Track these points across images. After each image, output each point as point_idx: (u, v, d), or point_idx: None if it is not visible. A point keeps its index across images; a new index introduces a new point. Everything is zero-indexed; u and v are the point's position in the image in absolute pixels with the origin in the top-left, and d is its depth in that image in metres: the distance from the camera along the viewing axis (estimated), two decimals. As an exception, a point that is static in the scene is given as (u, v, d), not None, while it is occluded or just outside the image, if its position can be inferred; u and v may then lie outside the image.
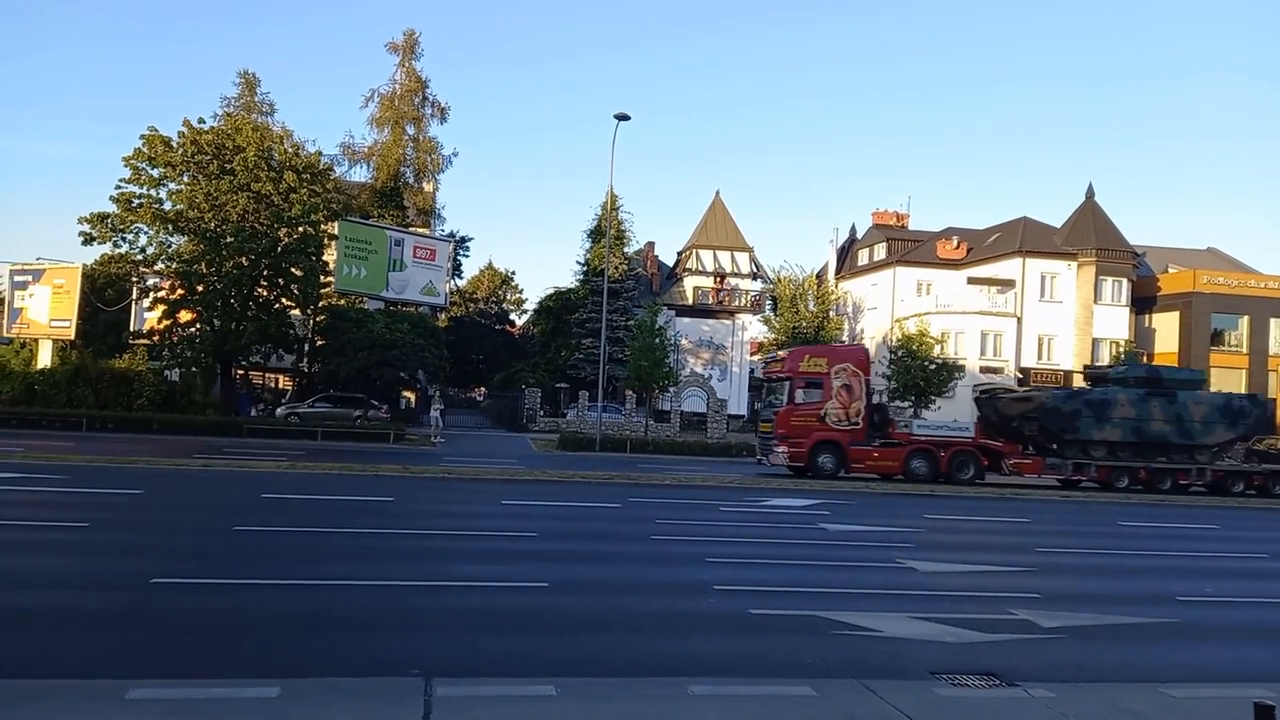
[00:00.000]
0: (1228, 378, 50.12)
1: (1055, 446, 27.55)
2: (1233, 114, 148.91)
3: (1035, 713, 6.80)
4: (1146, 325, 52.41)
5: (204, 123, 33.43)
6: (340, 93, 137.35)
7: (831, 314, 57.01)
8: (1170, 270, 53.73)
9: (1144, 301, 52.12)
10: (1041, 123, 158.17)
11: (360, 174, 51.43)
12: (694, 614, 9.46)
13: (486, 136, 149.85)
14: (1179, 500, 25.58)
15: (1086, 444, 27.17)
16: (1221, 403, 28.67)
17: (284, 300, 34.37)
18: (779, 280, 56.57)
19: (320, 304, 38.75)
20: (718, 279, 55.48)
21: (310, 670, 6.87)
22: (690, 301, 54.69)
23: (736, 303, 55.20)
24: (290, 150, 36.14)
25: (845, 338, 60.21)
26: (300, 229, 33.56)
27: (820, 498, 21.10)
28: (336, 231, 39.96)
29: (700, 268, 55.20)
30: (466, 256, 60.50)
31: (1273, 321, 50.38)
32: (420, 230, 48.60)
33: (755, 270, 56.43)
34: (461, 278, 64.68)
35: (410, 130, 50.44)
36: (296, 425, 32.43)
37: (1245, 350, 50.22)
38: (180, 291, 32.40)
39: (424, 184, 51.76)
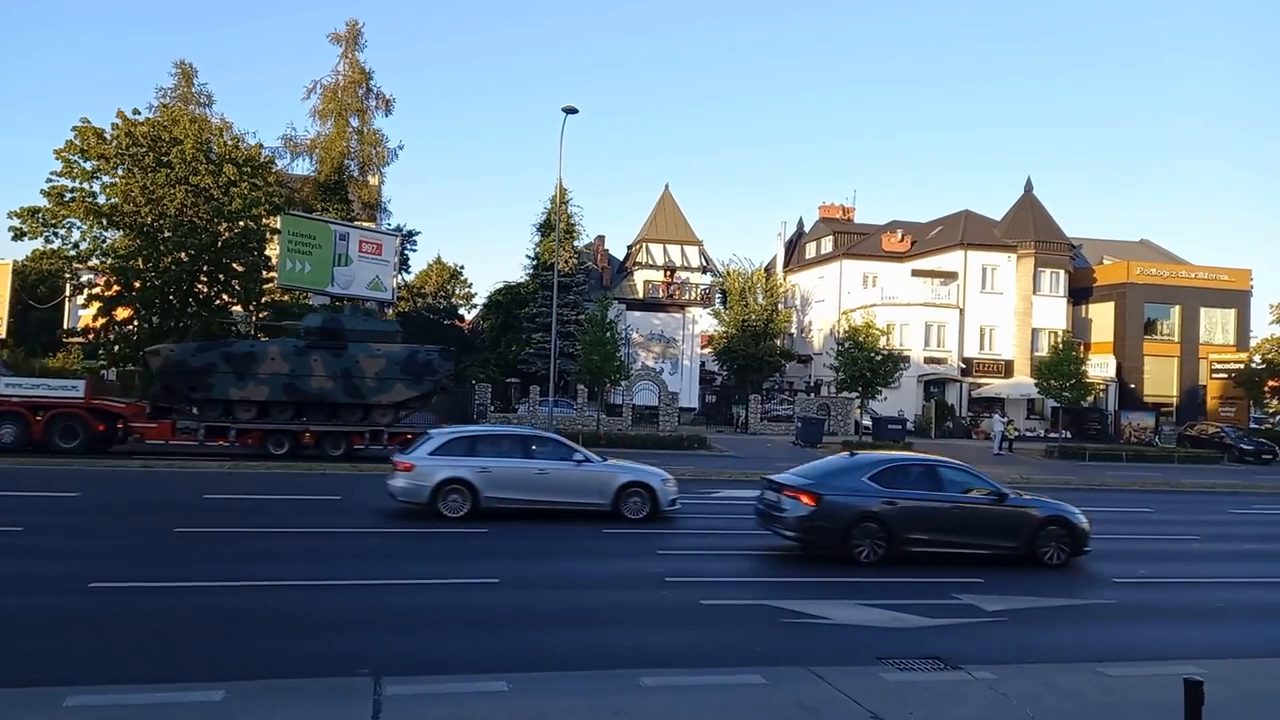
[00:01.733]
0: (1161, 366, 51.82)
1: (196, 409, 23.37)
2: (1164, 108, 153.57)
3: (978, 694, 6.99)
4: (1083, 315, 53.86)
5: (139, 114, 32.41)
6: (281, 84, 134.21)
7: (780, 307, 57.50)
8: (1105, 262, 55.25)
9: (1081, 292, 53.52)
10: (982, 116, 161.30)
11: (303, 167, 50.38)
12: (646, 606, 9.51)
13: (433, 129, 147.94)
14: (1112, 484, 26.30)
15: (229, 404, 23.09)
16: (403, 357, 25.47)
17: (225, 297, 33.50)
18: (728, 274, 56.90)
19: (263, 300, 37.88)
20: (668, 273, 55.61)
21: (256, 672, 6.76)
22: (641, 295, 54.74)
23: (687, 296, 55.37)
24: (230, 142, 35.25)
25: (794, 330, 60.81)
26: (241, 223, 32.72)
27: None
28: (279, 226, 39.08)
29: (650, 261, 55.26)
30: (414, 251, 59.64)
31: (1203, 311, 52.14)
32: (366, 224, 47.79)
33: (705, 264, 56.70)
34: (409, 272, 63.72)
35: (354, 122, 49.53)
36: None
37: (1177, 339, 51.91)
38: (116, 288, 31.38)
39: (369, 177, 50.88)
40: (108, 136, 31.66)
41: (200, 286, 32.55)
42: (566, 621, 8.82)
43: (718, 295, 57.68)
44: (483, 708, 6.11)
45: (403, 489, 14.63)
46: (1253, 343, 50.75)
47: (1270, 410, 55.07)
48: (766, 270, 60.10)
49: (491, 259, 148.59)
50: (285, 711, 5.94)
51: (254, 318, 39.32)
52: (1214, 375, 50.86)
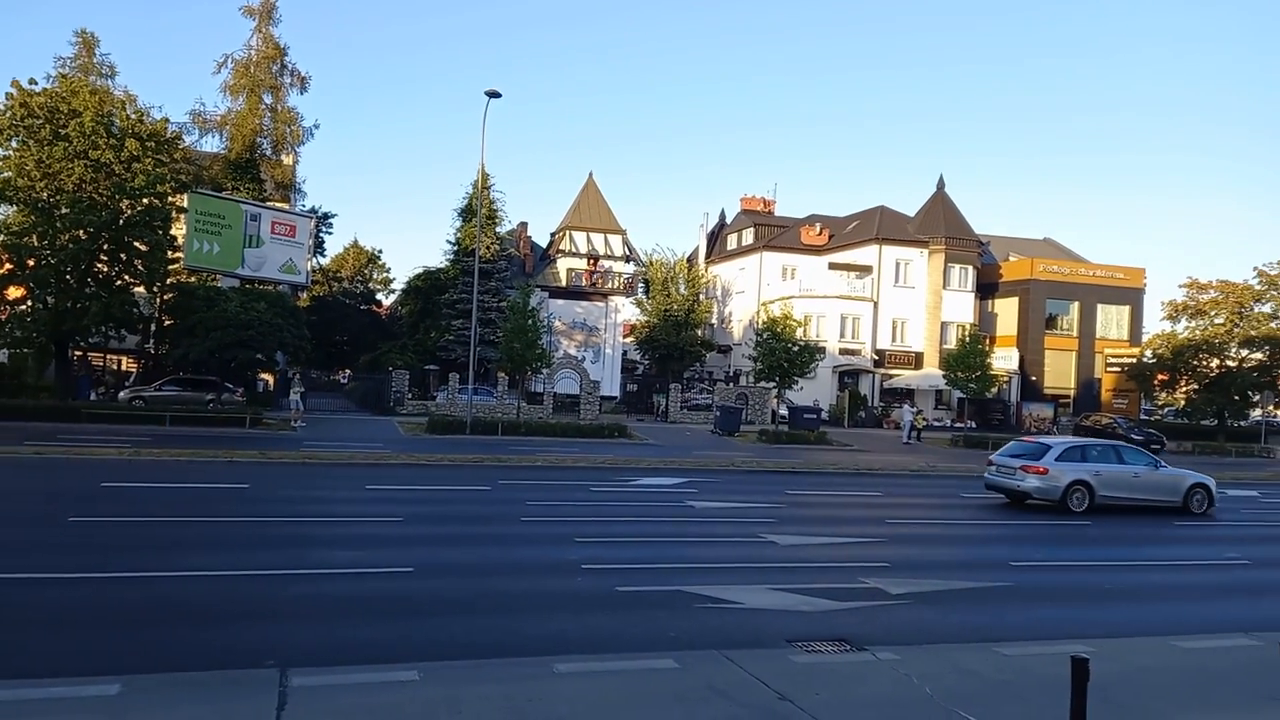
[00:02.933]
0: (1060, 359, 54.20)
1: None
2: (1068, 111, 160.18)
3: (882, 674, 7.24)
4: (990, 310, 55.93)
5: (36, 84, 30.70)
6: (190, 57, 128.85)
7: (702, 297, 58.08)
8: (1011, 259, 57.44)
9: (988, 288, 55.56)
10: (899, 114, 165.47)
11: (212, 144, 48.42)
12: (562, 593, 9.53)
13: (351, 110, 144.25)
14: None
15: None
16: None
17: (127, 277, 32.05)
18: (651, 263, 57.17)
19: (168, 281, 36.39)
20: (591, 261, 55.53)
21: (154, 666, 6.55)
22: (564, 283, 54.54)
23: (610, 285, 55.39)
24: (133, 116, 33.63)
25: (714, 320, 61.48)
26: (145, 201, 31.31)
27: (689, 475, 21.56)
28: (185, 204, 37.57)
29: (574, 249, 55.10)
30: (330, 234, 58.04)
31: (1099, 307, 54.71)
32: (279, 205, 46.33)
33: (628, 253, 56.80)
34: (324, 256, 62.02)
35: (267, 99, 47.82)
36: (142, 410, 30.45)
37: (1075, 334, 54.36)
38: (9, 266, 29.72)
39: (283, 156, 49.23)
40: (1, 107, 29.91)
41: (100, 266, 31.08)
42: (481, 609, 8.77)
43: (640, 285, 57.89)
44: (393, 697, 6.04)
45: (1037, 488, 18.43)
46: (1144, 338, 53.50)
47: (1159, 403, 58.20)
48: (689, 260, 60.58)
49: (411, 244, 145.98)
50: (184, 705, 5.77)
51: (158, 300, 37.76)
52: (1108, 369, 53.48)
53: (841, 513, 17.72)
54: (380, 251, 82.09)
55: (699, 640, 7.85)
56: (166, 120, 36.38)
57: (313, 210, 51.12)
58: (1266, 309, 46.99)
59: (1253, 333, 45.80)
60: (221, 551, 10.86)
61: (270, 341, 35.62)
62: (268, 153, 48.13)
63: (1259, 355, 45.61)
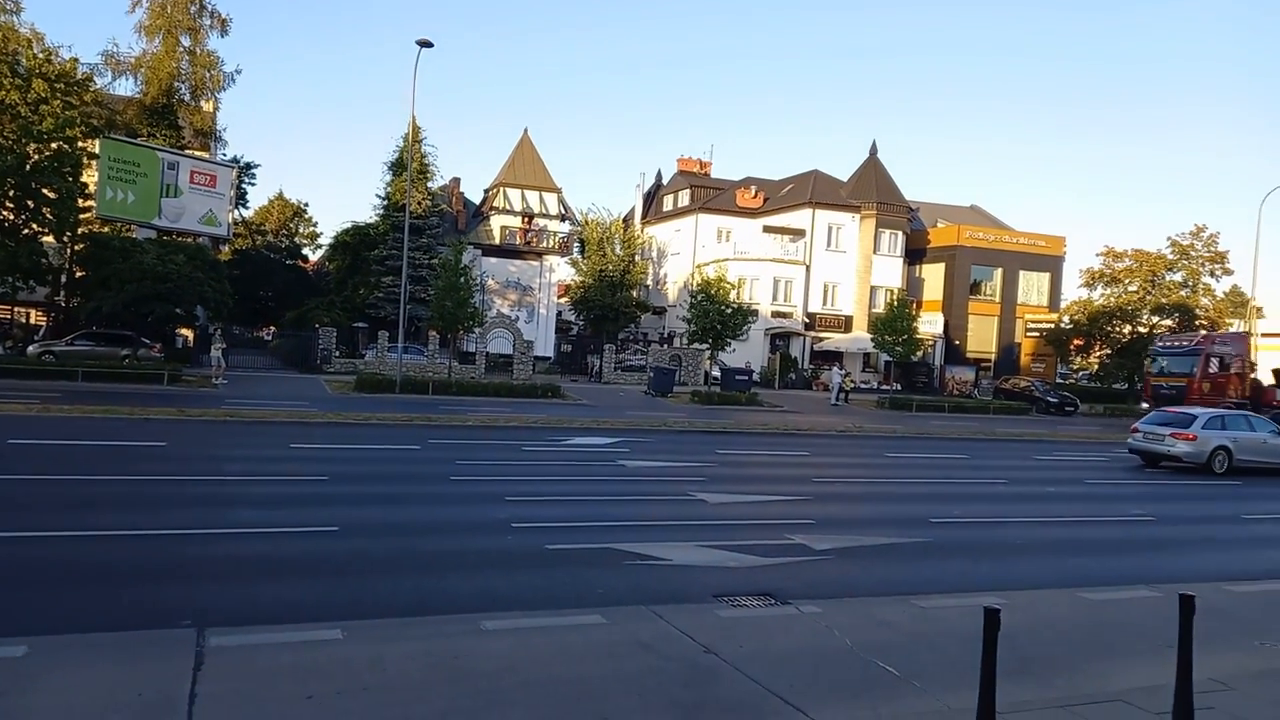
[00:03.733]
0: (983, 324, 55.76)
1: None
2: (995, 80, 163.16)
3: (804, 626, 7.43)
4: (917, 275, 57.09)
5: (-73, 18, 28.71)
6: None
7: (637, 258, 57.89)
8: (939, 225, 58.62)
9: (916, 253, 56.64)
10: (834, 78, 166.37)
11: (126, 87, 45.90)
12: (491, 552, 9.51)
13: (275, 56, 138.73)
14: (934, 432, 28.38)
15: None
16: None
17: (35, 225, 30.45)
18: (587, 223, 56.65)
19: (80, 231, 34.74)
20: (525, 219, 54.76)
21: (64, 627, 6.33)
22: (497, 241, 53.71)
23: (544, 244, 54.76)
24: (40, 55, 31.78)
25: (650, 282, 61.45)
26: (53, 145, 29.69)
27: (621, 435, 21.65)
28: (98, 150, 35.78)
29: (508, 207, 54.21)
30: (253, 185, 55.99)
31: (1021, 274, 56.31)
32: (199, 153, 44.41)
33: (564, 212, 56.15)
34: (247, 207, 59.80)
35: (185, 42, 45.45)
36: (52, 365, 29.12)
37: (998, 300, 55.93)
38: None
39: (202, 102, 47.02)
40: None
41: (5, 214, 29.47)
42: (408, 568, 8.70)
43: (576, 244, 57.40)
44: (315, 655, 5.96)
45: (1187, 453, 21.08)
46: (1063, 305, 55.37)
47: (1074, 367, 60.51)
48: (625, 221, 60.23)
49: (339, 198, 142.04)
50: (96, 666, 5.60)
51: (69, 250, 36.06)
52: (1028, 334, 55.26)
53: (770, 472, 18.03)
54: (306, 205, 79.89)
55: (627, 596, 7.93)
56: (76, 60, 34.51)
57: (234, 160, 49.22)
58: (1177, 277, 49.05)
59: (1164, 300, 47.80)
60: (136, 511, 10.52)
61: (189, 295, 34.40)
62: (186, 98, 45.94)
63: (1168, 322, 47.66)
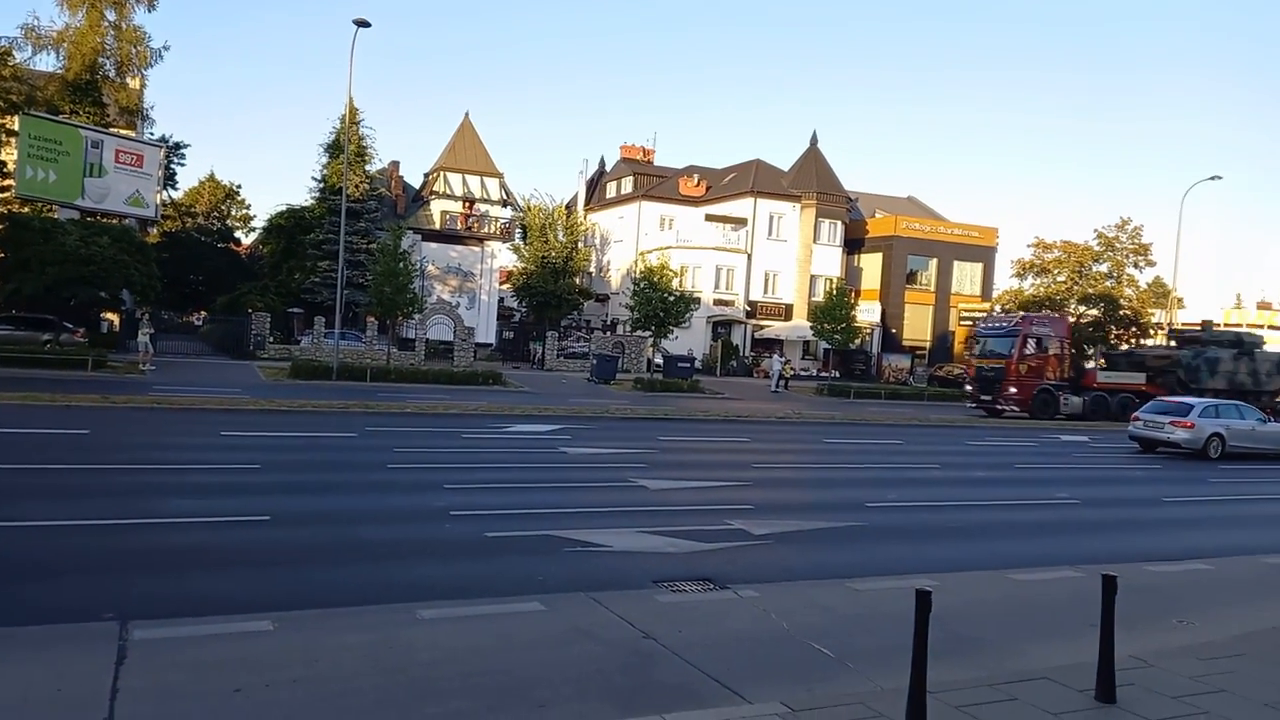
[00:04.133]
0: (919, 313, 56.90)
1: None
2: (932, 75, 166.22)
3: (743, 611, 7.49)
4: (856, 265, 57.96)
5: None
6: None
7: (580, 245, 57.61)
8: (877, 215, 59.57)
9: (854, 243, 57.48)
10: (776, 68, 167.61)
11: (48, 62, 43.77)
12: (429, 540, 9.39)
13: (206, 33, 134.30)
14: (871, 418, 28.93)
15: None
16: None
17: (-52, 204, 29.08)
18: (529, 209, 56.13)
19: (-2, 211, 33.24)
20: (466, 204, 54.04)
21: (-24, 623, 6.05)
22: (438, 226, 52.92)
23: (486, 229, 54.14)
24: (-50, 25, 30.16)
25: (593, 269, 61.26)
26: (-34, 121, 28.29)
27: (563, 423, 21.56)
28: (17, 127, 34.23)
29: (448, 191, 53.43)
30: (183, 165, 54.16)
31: (955, 264, 57.58)
32: (124, 132, 42.71)
33: (505, 197, 55.56)
34: (176, 189, 57.89)
35: (110, 16, 43.54)
36: (-33, 350, 27.89)
37: (933, 289, 57.11)
38: None
39: (128, 79, 45.16)
40: None
41: (-86, 191, 28.03)
42: (343, 558, 8.54)
43: (518, 230, 56.86)
44: (244, 648, 5.82)
45: (1186, 439, 22.59)
46: (995, 294, 56.78)
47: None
48: (568, 208, 59.89)
49: (273, 179, 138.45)
50: (12, 663, 5.37)
51: (-14, 230, 34.45)
52: (961, 322, 56.54)
53: (711, 458, 18.15)
54: (239, 187, 77.42)
55: (567, 584, 7.90)
56: (-10, 32, 32.81)
57: (162, 139, 47.55)
58: (1103, 268, 50.61)
59: (1090, 290, 49.32)
60: (57, 501, 10.10)
61: (115, 279, 33.19)
62: (111, 75, 44.08)
63: (1094, 312, 49.21)
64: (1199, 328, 43.62)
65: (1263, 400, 35.32)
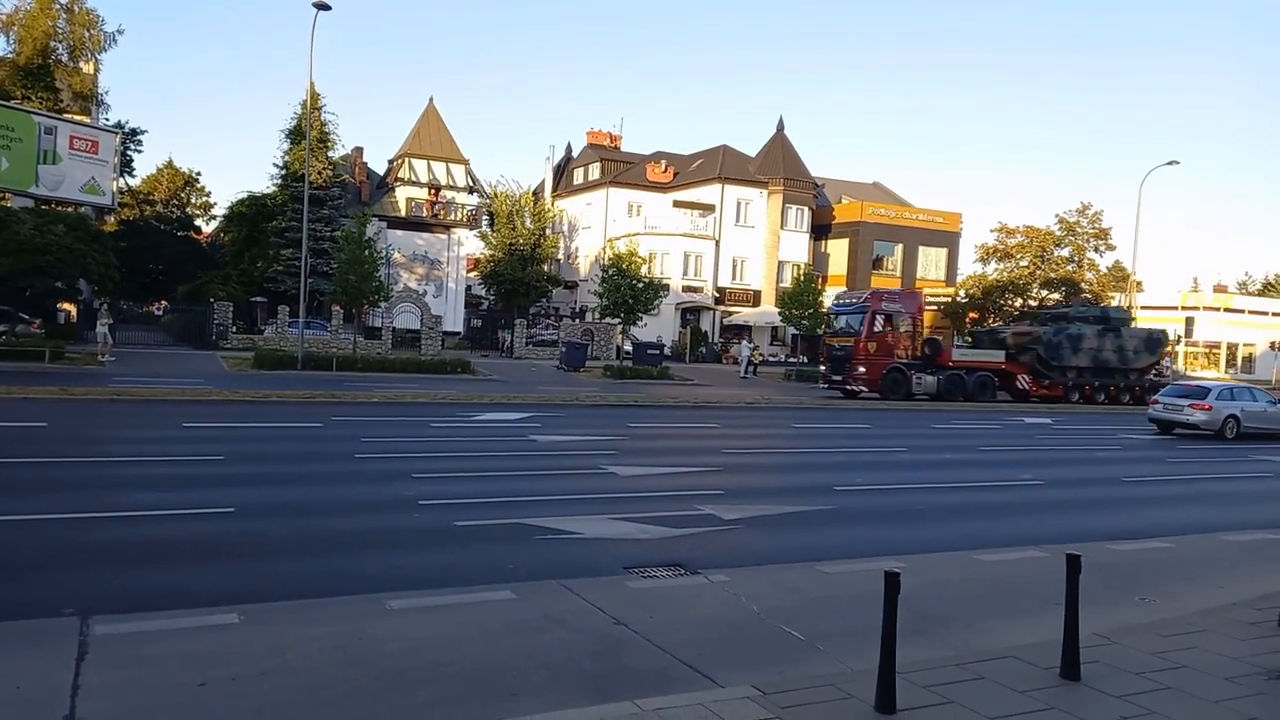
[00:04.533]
0: (886, 299, 57.27)
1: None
2: (895, 60, 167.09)
3: (713, 595, 7.52)
4: (823, 250, 58.28)
5: None
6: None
7: (548, 231, 57.29)
8: (844, 201, 59.90)
9: (821, 229, 57.78)
10: (741, 52, 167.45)
11: (-3, 46, 42.82)
12: (397, 530, 9.30)
13: (161, 16, 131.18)
14: (840, 404, 29.18)
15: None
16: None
17: (-107, 192, 28.21)
18: (496, 195, 55.67)
19: (-55, 199, 32.31)
20: (432, 191, 53.47)
21: (-71, 622, 5.89)
22: (403, 213, 52.33)
23: (452, 216, 53.62)
24: (-107, 7, 29.17)
25: (561, 256, 60.97)
26: (-88, 105, 27.42)
27: (532, 410, 21.48)
28: (-36, 112, 33.26)
29: (414, 178, 52.83)
30: (140, 152, 53.01)
31: (921, 249, 58.12)
32: (79, 118, 41.72)
33: (471, 184, 55.05)
34: (134, 176, 56.58)
35: (61, -1, 42.66)
36: (-83, 343, 27.18)
37: (899, 274, 57.57)
38: None
39: (81, 64, 44.09)
40: None
41: None
42: (310, 549, 8.45)
43: (485, 217, 56.41)
44: (209, 642, 5.72)
45: (1204, 421, 23.78)
46: (959, 279, 57.40)
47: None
48: (535, 194, 59.49)
49: (234, 167, 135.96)
50: (-34, 662, 5.24)
51: (-67, 219, 33.47)
52: (926, 307, 57.10)
53: (681, 444, 18.19)
54: (199, 174, 75.92)
55: (538, 571, 7.87)
56: (-64, 14, 31.84)
57: (118, 125, 46.48)
58: (1064, 252, 51.35)
59: (1052, 274, 50.06)
60: (14, 496, 9.87)
61: (71, 268, 32.41)
62: (64, 59, 43.02)
63: (1056, 295, 49.95)
64: (1068, 305, 43.24)
65: (1130, 378, 35.78)
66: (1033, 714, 5.08)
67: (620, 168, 59.33)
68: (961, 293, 53.07)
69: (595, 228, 57.93)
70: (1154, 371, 37.68)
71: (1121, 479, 16.52)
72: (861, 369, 31.36)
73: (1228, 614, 7.43)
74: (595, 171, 60.28)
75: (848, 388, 31.89)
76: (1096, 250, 51.44)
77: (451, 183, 53.88)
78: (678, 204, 54.97)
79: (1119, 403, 35.24)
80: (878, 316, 31.84)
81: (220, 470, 12.09)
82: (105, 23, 43.92)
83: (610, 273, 37.31)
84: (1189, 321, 57.57)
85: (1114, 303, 52.52)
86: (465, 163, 54.49)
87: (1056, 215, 51.86)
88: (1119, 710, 5.19)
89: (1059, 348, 34.37)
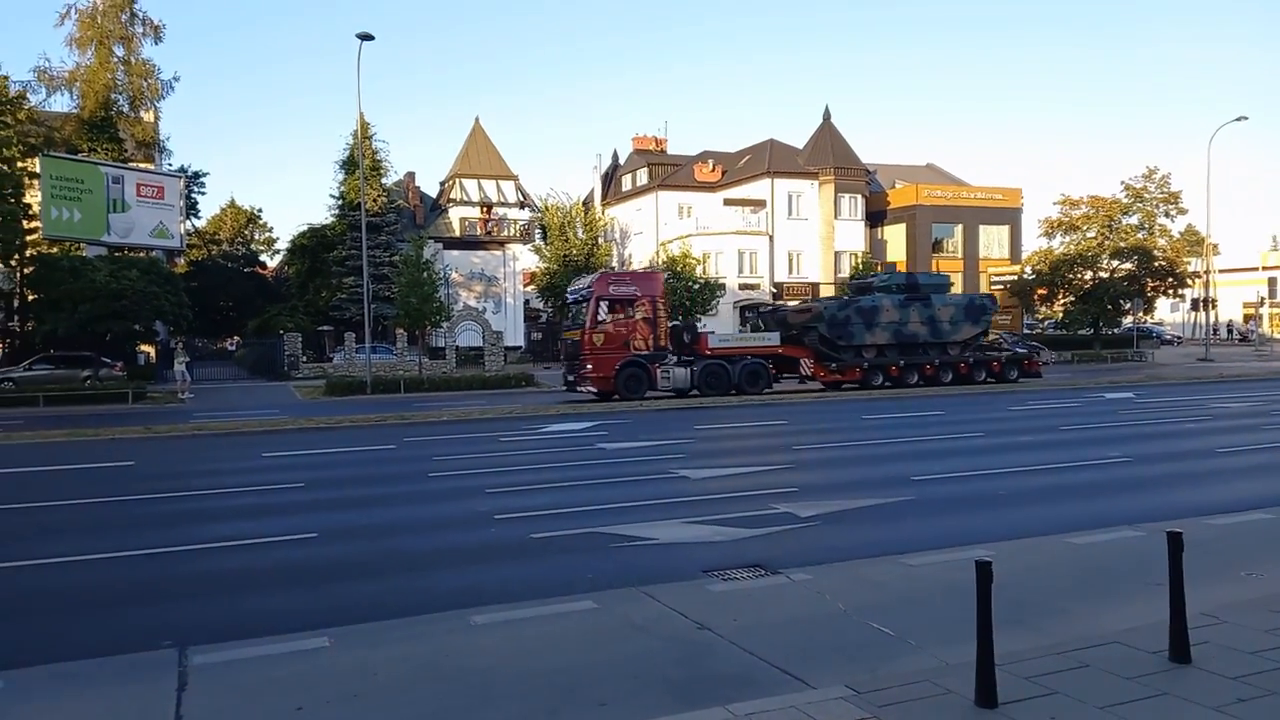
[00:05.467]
0: (948, 281, 56.15)
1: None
2: (942, 38, 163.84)
3: (796, 594, 7.38)
4: (879, 237, 57.39)
5: None
6: (30, 11, 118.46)
7: (601, 240, 57.62)
8: (897, 186, 58.91)
9: (876, 215, 56.91)
10: (782, 46, 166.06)
11: (62, 103, 44.73)
12: (474, 546, 9.37)
13: (214, 60, 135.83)
14: (910, 391, 28.55)
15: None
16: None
17: (-22, 251, 29.72)
18: (546, 208, 56.24)
19: (27, 254, 33.88)
20: (484, 209, 54.26)
21: (38, 658, 6.11)
22: (458, 233, 53.22)
23: (506, 233, 54.33)
24: (-34, 76, 30.78)
25: (614, 263, 61.22)
26: (-9, 167, 28.91)
27: (598, 419, 21.53)
28: (38, 169, 34.88)
29: (465, 198, 53.68)
30: (203, 194, 55.04)
31: (981, 228, 56.82)
32: (143, 165, 43.48)
33: (522, 199, 55.69)
34: (199, 217, 58.74)
35: (119, 51, 44.32)
36: (12, 392, 28.51)
37: (961, 255, 56.38)
38: None
39: (142, 113, 45.96)
40: None
41: (-54, 241, 28.65)
42: (391, 570, 8.55)
43: (537, 231, 56.99)
44: (302, 666, 5.82)
45: None
46: (1024, 256, 55.93)
47: (1040, 316, 61.20)
48: (585, 204, 59.90)
49: (293, 200, 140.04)
50: (74, 695, 5.41)
51: (18, 273, 35.19)
52: (992, 286, 55.81)
53: (750, 443, 18.01)
54: (260, 210, 78.50)
55: (617, 579, 7.83)
56: (7, 79, 33.54)
57: (181, 169, 48.28)
58: (1133, 220, 49.65)
59: (1121, 244, 48.41)
60: (107, 533, 10.24)
61: (146, 311, 33.73)
62: (125, 110, 44.88)
63: (1128, 265, 48.29)
64: (879, 274, 38.50)
65: (950, 353, 30.71)
66: (1144, 701, 4.84)
67: (668, 171, 59.34)
68: (1028, 269, 51.71)
69: (647, 233, 58.02)
70: (981, 343, 32.48)
71: (1215, 450, 15.81)
72: (589, 366, 26.49)
73: (1345, 585, 7.02)
74: (643, 177, 60.38)
75: (578, 389, 27.31)
76: (1168, 215, 49.61)
77: (502, 199, 54.56)
78: (728, 202, 54.73)
79: (939, 382, 29.89)
80: (602, 303, 26.80)
81: (301, 497, 12.37)
82: (161, 71, 45.75)
83: (665, 276, 37.32)
84: (1272, 281, 55.23)
85: (1190, 267, 50.54)
86: (514, 178, 55.12)
87: (1122, 182, 50.21)
88: (1235, 692, 4.92)
89: (846, 324, 29.44)
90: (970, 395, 27.76)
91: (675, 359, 27.52)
